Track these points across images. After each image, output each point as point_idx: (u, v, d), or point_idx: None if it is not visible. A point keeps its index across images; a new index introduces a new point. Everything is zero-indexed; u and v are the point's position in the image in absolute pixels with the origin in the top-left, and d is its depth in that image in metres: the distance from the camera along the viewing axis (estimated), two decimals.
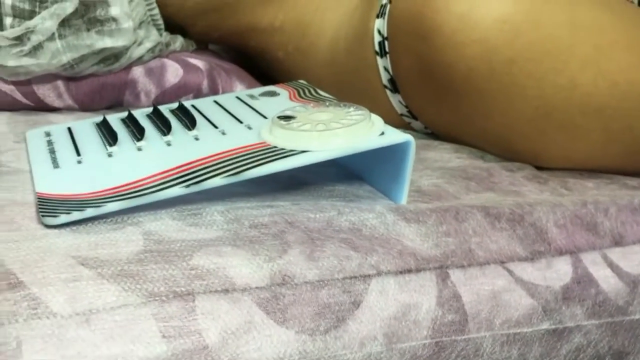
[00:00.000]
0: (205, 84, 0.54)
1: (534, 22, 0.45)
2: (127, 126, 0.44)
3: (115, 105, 0.54)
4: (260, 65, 0.64)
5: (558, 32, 0.45)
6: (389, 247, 0.35)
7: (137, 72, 0.52)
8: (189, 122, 0.42)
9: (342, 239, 0.35)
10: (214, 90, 0.55)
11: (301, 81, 0.52)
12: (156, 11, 0.54)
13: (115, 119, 0.45)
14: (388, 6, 0.50)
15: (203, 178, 0.34)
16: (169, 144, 0.40)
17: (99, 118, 0.45)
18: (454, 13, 0.45)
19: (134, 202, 0.33)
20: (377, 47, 0.51)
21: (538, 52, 0.45)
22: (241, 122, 0.43)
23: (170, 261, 0.31)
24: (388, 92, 0.53)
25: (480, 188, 0.44)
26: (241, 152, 0.37)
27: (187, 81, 0.54)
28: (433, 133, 0.54)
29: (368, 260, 0.34)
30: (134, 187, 0.34)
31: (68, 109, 0.51)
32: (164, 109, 0.46)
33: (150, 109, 0.46)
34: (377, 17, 0.51)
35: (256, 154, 0.37)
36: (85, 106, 0.52)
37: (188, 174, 0.35)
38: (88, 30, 0.47)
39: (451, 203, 0.40)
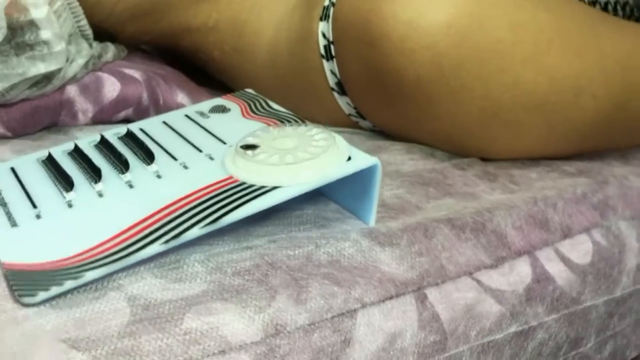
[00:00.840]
0: (144, 96, 0.52)
1: (479, 25, 0.45)
2: (78, 162, 0.41)
3: (50, 126, 0.51)
4: (195, 64, 0.62)
5: (501, 33, 0.46)
6: (369, 277, 0.36)
7: (72, 91, 0.49)
8: (146, 155, 0.41)
9: (324, 274, 0.35)
10: (154, 102, 0.53)
11: (248, 91, 0.50)
12: (84, 22, 0.50)
13: (61, 154, 0.42)
14: (331, 9, 0.49)
15: (180, 230, 0.33)
16: (130, 185, 0.38)
17: (43, 153, 0.43)
18: (401, 20, 0.45)
19: (114, 267, 0.32)
20: (322, 51, 0.51)
21: (484, 54, 0.46)
22: (200, 151, 0.41)
23: (163, 328, 0.30)
24: (335, 94, 0.52)
25: (439, 194, 0.46)
26: (211, 192, 0.36)
27: (125, 95, 0.51)
28: (382, 130, 0.55)
29: (352, 294, 0.35)
30: (109, 248, 0.33)
31: (0, 137, 0.48)
32: (112, 138, 0.44)
33: (97, 138, 0.44)
34: (321, 19, 0.50)
35: (228, 194, 0.36)
36: (18, 132, 0.48)
37: (163, 226, 0.34)
38: (17, 55, 0.44)
39: (417, 218, 0.42)
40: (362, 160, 0.38)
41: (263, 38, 0.55)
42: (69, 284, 0.31)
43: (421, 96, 0.47)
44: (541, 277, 0.42)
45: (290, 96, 0.57)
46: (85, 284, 0.31)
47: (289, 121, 0.44)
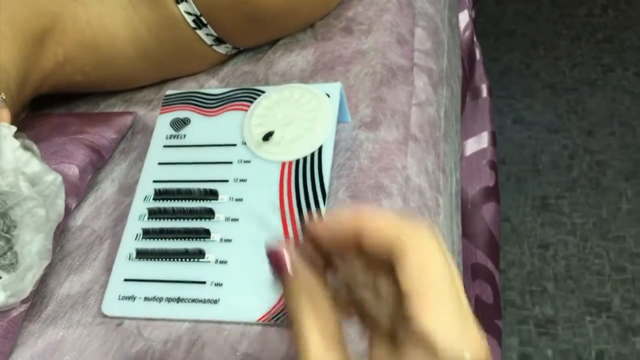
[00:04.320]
0: (93, 159, 0.56)
1: None
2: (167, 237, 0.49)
3: None
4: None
5: None
6: None
7: None
8: (207, 193, 0.50)
9: None
10: (99, 159, 0.57)
11: (171, 93, 0.57)
12: None
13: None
14: None
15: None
16: (234, 220, 0.49)
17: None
18: None
19: None
20: (192, 24, 0.58)
21: None
22: (230, 163, 0.52)
23: None
24: (214, 47, 0.62)
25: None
26: (291, 182, 0.49)
27: (71, 188, 0.54)
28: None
29: None
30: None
31: None
32: (156, 204, 0.51)
33: (145, 213, 0.51)
34: (178, 2, 0.57)
35: (302, 170, 0.49)
36: None
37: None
38: None
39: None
40: (336, 90, 0.53)
41: (120, 41, 0.59)
42: None
43: (288, 12, 0.60)
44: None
45: (169, 69, 0.64)
46: None
47: (249, 97, 0.55)
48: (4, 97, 0.47)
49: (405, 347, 0.25)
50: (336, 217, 0.28)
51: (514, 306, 1.29)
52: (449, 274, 0.25)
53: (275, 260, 0.32)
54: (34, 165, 0.44)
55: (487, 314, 0.82)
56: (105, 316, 0.47)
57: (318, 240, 0.28)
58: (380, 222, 0.26)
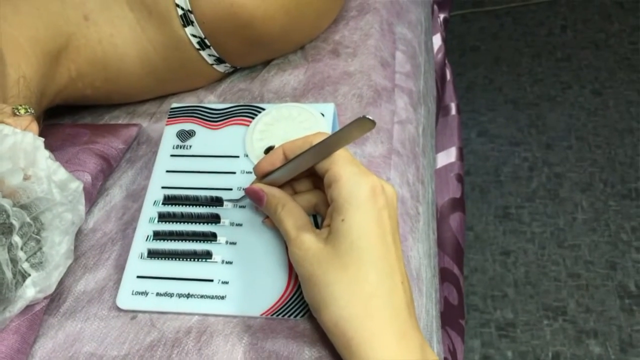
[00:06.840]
0: (104, 168, 0.61)
1: None
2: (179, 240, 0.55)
3: None
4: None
5: None
6: None
7: None
8: (213, 201, 0.56)
9: None
10: (108, 168, 0.62)
11: (176, 106, 0.62)
12: None
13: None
14: (191, 15, 0.61)
15: None
16: (238, 224, 0.54)
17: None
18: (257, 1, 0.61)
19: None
20: (197, 46, 0.64)
21: None
22: (234, 173, 0.57)
23: None
24: (215, 66, 0.67)
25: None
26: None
27: (85, 194, 0.58)
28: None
29: None
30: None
31: None
32: (163, 208, 0.56)
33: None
34: (184, 26, 0.62)
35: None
36: None
37: None
38: None
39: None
40: (330, 110, 0.59)
41: (129, 59, 0.64)
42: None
43: (283, 36, 0.66)
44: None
45: (172, 84, 0.70)
46: None
47: (249, 113, 0.61)
48: (32, 111, 0.51)
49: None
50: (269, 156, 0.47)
51: (476, 310, 1.36)
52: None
53: (252, 194, 0.49)
54: (61, 173, 0.49)
55: (452, 314, 0.89)
56: (120, 310, 0.52)
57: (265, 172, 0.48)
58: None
